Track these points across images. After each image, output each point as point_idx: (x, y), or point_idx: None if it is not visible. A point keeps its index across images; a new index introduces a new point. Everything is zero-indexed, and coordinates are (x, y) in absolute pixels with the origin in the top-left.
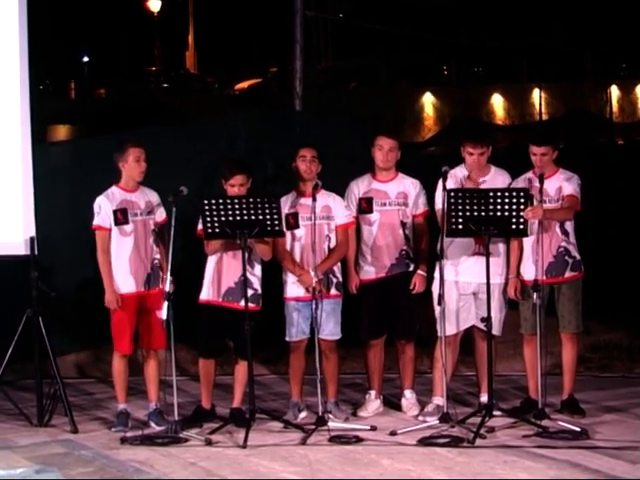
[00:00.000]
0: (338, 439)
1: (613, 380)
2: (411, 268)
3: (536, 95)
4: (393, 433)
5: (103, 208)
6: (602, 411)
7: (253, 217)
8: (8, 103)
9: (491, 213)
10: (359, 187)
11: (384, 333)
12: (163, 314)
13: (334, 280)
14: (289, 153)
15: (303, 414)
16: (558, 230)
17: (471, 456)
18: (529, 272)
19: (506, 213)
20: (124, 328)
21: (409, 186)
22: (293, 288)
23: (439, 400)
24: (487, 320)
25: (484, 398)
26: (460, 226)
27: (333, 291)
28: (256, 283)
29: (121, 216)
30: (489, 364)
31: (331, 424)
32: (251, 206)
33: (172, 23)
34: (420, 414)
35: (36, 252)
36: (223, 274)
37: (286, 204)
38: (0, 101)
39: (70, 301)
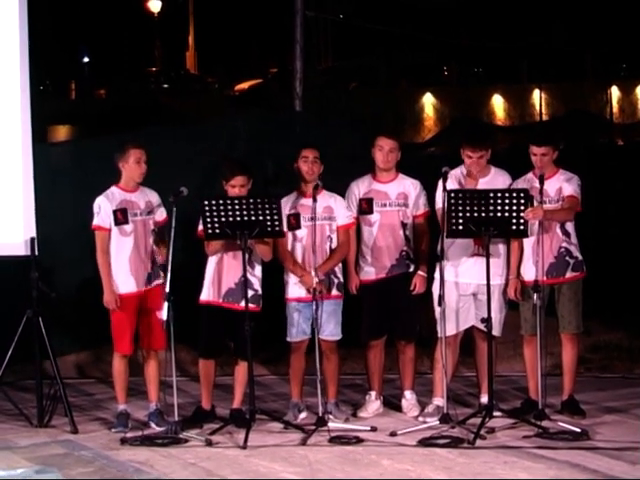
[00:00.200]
0: (338, 440)
1: (613, 381)
2: (411, 269)
3: (536, 96)
4: (393, 434)
5: (103, 208)
6: (602, 412)
7: (253, 218)
8: (8, 103)
9: (491, 214)
10: (359, 188)
11: (384, 334)
12: (163, 315)
13: (335, 281)
14: (289, 154)
15: (303, 415)
16: (559, 231)
17: (471, 457)
18: (529, 273)
19: (506, 214)
20: (124, 328)
21: (409, 187)
22: (294, 289)
23: (439, 401)
24: (487, 321)
25: (484, 399)
26: (460, 227)
27: (334, 292)
28: (256, 284)
29: (121, 216)
30: (489, 365)
31: (331, 425)
32: (251, 207)
33: (172, 23)
34: (420, 415)
35: (36, 253)
36: (223, 275)
37: (288, 205)
38: (0, 101)
39: (70, 302)
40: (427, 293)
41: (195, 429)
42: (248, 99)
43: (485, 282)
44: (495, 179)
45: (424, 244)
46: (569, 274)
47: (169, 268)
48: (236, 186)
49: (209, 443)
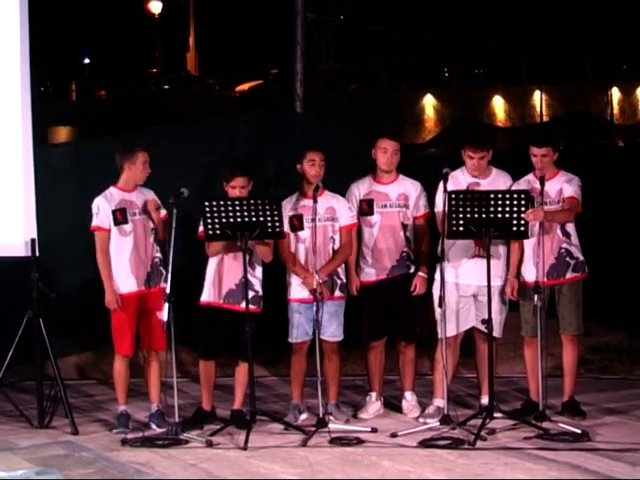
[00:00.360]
0: (339, 441)
1: (614, 382)
2: (412, 270)
3: (537, 97)
4: (394, 435)
5: (102, 209)
6: (603, 413)
7: (254, 219)
8: (9, 105)
9: (492, 215)
10: (360, 189)
11: (385, 335)
12: (164, 316)
13: (338, 282)
14: (289, 155)
15: (304, 416)
16: (559, 232)
17: (472, 458)
18: (530, 274)
19: (507, 215)
20: (125, 329)
21: (410, 188)
22: (298, 290)
23: (440, 402)
24: (488, 322)
25: (485, 400)
26: (461, 228)
27: (337, 292)
28: (257, 285)
29: (120, 216)
30: (490, 366)
31: (332, 426)
32: (252, 208)
33: (173, 25)
34: (421, 416)
35: (37, 253)
36: (224, 276)
37: (290, 206)
38: (1, 102)
39: (71, 302)
40: (427, 294)
41: (195, 430)
42: (248, 100)
43: (485, 283)
44: (496, 180)
45: (424, 245)
46: (570, 275)
47: (170, 269)
48: (236, 187)
49: (209, 444)
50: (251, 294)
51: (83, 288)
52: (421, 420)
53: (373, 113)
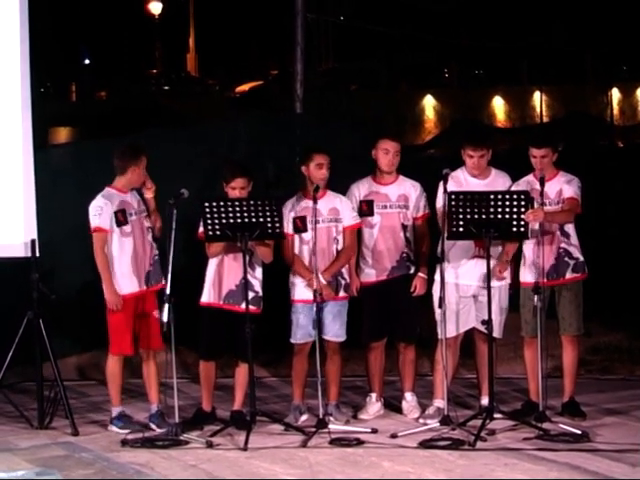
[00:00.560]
0: (339, 441)
1: (614, 382)
2: (412, 271)
3: (537, 97)
4: (394, 436)
5: (105, 210)
6: (603, 414)
7: (254, 219)
8: (9, 106)
9: (492, 216)
10: (360, 190)
11: (385, 336)
12: (164, 316)
13: (342, 282)
14: (290, 155)
15: (304, 417)
16: (558, 232)
17: (472, 459)
18: (530, 275)
19: (507, 216)
20: (124, 329)
21: (410, 189)
22: (302, 291)
23: (440, 403)
24: (488, 323)
25: (485, 401)
26: (461, 229)
27: (341, 293)
28: (257, 285)
29: (122, 217)
30: (490, 366)
31: (332, 426)
32: (252, 208)
33: (173, 25)
34: (421, 417)
35: (37, 254)
36: (224, 277)
37: (293, 207)
38: (1, 104)
39: (71, 303)
40: (427, 295)
41: (196, 431)
42: (248, 101)
43: (485, 284)
44: (495, 181)
45: (424, 246)
46: (569, 275)
47: (170, 270)
48: (236, 188)
49: (210, 445)
50: (251, 295)
51: (83, 289)
52: (421, 421)
53: (373, 113)
